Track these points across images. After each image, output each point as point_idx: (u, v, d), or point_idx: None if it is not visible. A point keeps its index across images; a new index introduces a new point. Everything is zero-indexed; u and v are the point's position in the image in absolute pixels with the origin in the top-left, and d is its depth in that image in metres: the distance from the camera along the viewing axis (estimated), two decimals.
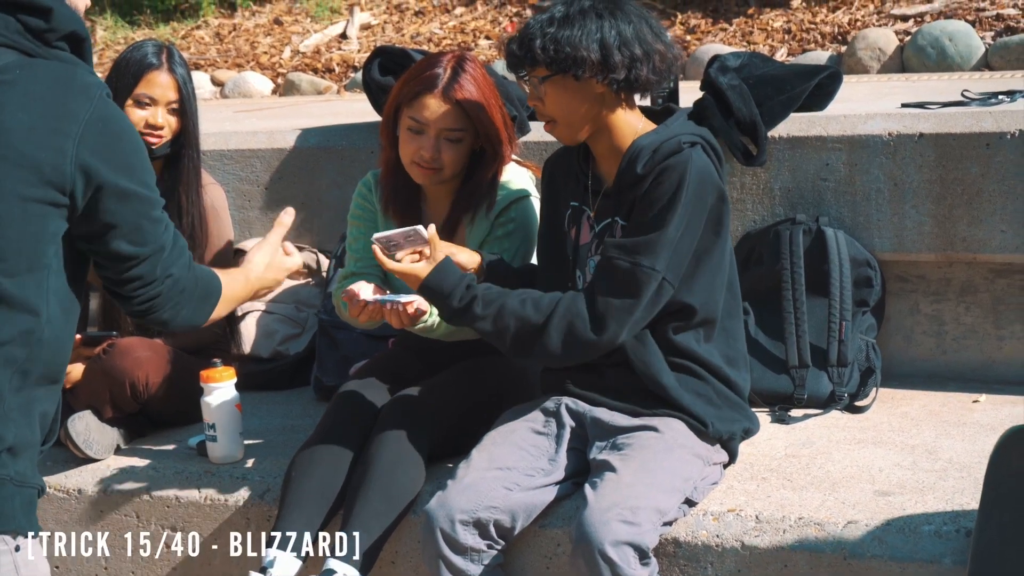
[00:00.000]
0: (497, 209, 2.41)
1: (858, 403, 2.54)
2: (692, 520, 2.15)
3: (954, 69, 3.55)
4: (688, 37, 4.17)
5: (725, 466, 2.30)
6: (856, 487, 2.23)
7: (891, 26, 3.85)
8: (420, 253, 2.18)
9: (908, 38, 3.72)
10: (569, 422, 2.25)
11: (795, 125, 2.65)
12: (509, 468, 2.20)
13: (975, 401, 2.54)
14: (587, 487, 2.13)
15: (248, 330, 3.14)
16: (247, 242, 3.16)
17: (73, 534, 2.53)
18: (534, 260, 2.54)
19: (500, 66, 3.61)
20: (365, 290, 2.21)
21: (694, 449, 2.19)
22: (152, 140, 2.66)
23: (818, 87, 2.74)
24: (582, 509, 2.05)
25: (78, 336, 2.14)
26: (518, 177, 2.50)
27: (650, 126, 2.19)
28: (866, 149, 2.58)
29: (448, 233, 2.43)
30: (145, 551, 2.53)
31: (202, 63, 4.95)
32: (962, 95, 2.72)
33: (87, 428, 2.52)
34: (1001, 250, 2.50)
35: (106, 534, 2.55)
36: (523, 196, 2.46)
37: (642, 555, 2.02)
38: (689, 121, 2.22)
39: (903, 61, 3.70)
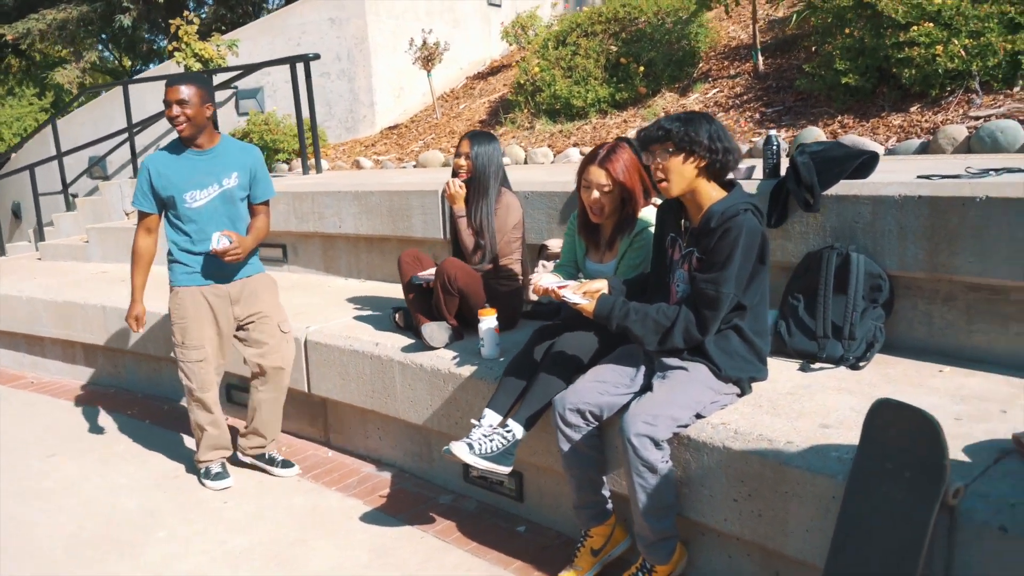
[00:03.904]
0: (634, 233, 3.10)
1: (860, 364, 2.95)
2: (699, 427, 2.58)
3: (1001, 152, 3.85)
4: (839, 129, 4.72)
5: (739, 395, 2.70)
6: (810, 419, 2.53)
7: (966, 123, 4.18)
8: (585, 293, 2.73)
9: (974, 131, 4.05)
10: (645, 360, 2.77)
11: (841, 187, 3.17)
12: (604, 381, 2.73)
13: (940, 371, 2.90)
14: (634, 400, 2.62)
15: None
16: (549, 241, 4.13)
17: (422, 393, 3.57)
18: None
19: None
20: (545, 279, 2.90)
21: (708, 383, 2.61)
22: (460, 175, 3.65)
23: (864, 164, 3.24)
24: (625, 412, 2.57)
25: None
26: (650, 214, 3.11)
27: (721, 193, 2.66)
28: (883, 204, 3.04)
29: (608, 246, 3.18)
30: (456, 404, 3.45)
31: (579, 144, 6.19)
32: (965, 170, 3.16)
33: (432, 331, 3.56)
34: (969, 274, 2.88)
35: (432, 388, 3.52)
36: (649, 226, 3.09)
37: (656, 444, 2.48)
38: (744, 192, 2.67)
39: (970, 146, 4.01)
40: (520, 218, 3.78)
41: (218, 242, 3.62)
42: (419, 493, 3.76)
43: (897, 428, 2.10)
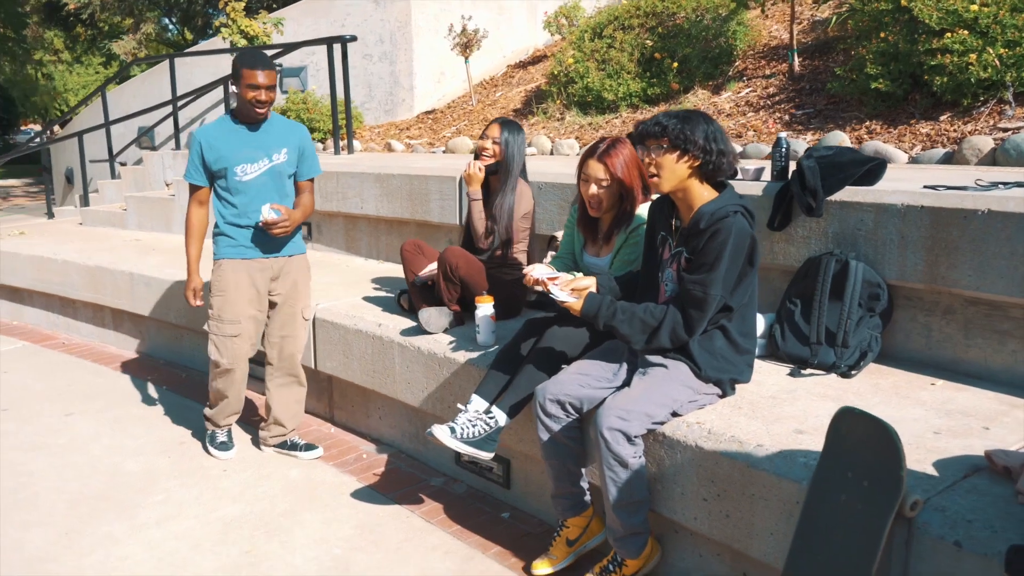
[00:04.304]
0: (630, 229, 3.08)
1: (852, 372, 2.91)
2: (674, 424, 2.58)
3: None
4: (866, 135, 4.62)
5: (721, 396, 2.70)
6: (786, 424, 2.50)
7: (994, 135, 4.07)
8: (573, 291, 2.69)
9: (1000, 143, 3.95)
10: (629, 355, 2.80)
11: (845, 193, 3.12)
12: (586, 375, 2.74)
13: (932, 384, 2.84)
14: (611, 394, 2.62)
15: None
16: (559, 232, 4.05)
17: (418, 375, 3.62)
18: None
19: None
20: (538, 270, 2.85)
21: (687, 382, 2.60)
22: (483, 158, 3.68)
23: (871, 171, 3.17)
24: (601, 406, 2.59)
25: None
26: (646, 211, 3.01)
27: (712, 194, 2.62)
28: (886, 212, 3.00)
29: (606, 241, 3.16)
30: (450, 388, 3.49)
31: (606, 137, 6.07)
32: (975, 182, 3.10)
33: (429, 316, 3.61)
34: (967, 288, 2.83)
35: (428, 371, 3.56)
36: (645, 222, 2.97)
37: (628, 439, 2.49)
38: (736, 194, 2.63)
39: (995, 158, 3.92)
40: (531, 209, 3.78)
41: (268, 213, 3.66)
42: (412, 474, 3.82)
43: (858, 437, 2.09)
